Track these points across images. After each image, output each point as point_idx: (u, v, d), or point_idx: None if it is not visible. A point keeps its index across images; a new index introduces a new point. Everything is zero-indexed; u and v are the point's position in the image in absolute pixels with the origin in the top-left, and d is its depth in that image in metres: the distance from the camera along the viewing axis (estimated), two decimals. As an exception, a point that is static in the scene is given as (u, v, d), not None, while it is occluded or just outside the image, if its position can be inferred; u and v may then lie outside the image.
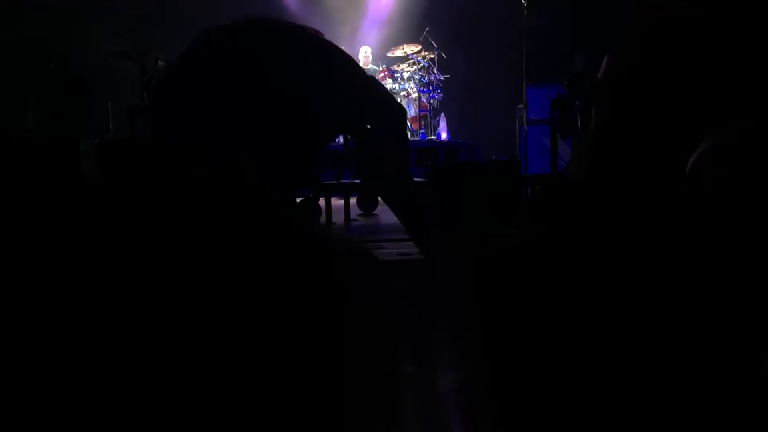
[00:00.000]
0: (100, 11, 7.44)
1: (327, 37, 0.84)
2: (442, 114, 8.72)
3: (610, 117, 0.79)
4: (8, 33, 6.92)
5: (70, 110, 6.50)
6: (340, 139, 6.19)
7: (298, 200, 4.31)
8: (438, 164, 5.49)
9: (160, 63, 5.58)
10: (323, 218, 4.37)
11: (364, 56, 8.91)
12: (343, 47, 0.93)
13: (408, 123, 8.56)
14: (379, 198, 3.95)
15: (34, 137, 6.36)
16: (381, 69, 8.60)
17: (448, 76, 8.84)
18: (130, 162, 0.70)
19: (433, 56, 8.71)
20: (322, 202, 4.51)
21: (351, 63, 0.85)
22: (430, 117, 8.72)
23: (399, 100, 8.49)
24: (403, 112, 0.89)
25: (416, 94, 8.55)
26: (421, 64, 8.62)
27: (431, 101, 8.78)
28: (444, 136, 8.50)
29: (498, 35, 8.31)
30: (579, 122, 4.24)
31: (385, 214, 4.88)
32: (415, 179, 3.79)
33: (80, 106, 6.47)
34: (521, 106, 6.97)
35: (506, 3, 6.86)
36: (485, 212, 3.74)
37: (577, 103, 4.23)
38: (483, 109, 9.04)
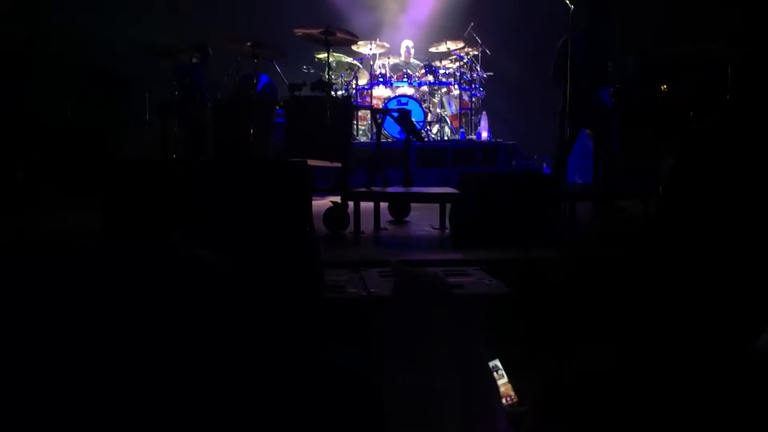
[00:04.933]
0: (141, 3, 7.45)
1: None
2: (484, 113, 8.49)
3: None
4: (49, 23, 6.97)
5: (108, 101, 6.53)
6: (373, 136, 5.97)
7: (327, 207, 4.20)
8: (472, 175, 5.29)
9: (194, 60, 5.53)
10: (351, 227, 4.23)
11: (406, 50, 8.73)
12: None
13: (448, 121, 8.36)
14: (412, 204, 3.77)
15: (72, 126, 6.40)
16: (422, 64, 8.39)
17: (492, 74, 8.58)
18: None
19: (476, 53, 8.46)
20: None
21: None
22: (471, 115, 8.50)
23: (439, 97, 8.30)
24: None
25: (457, 92, 8.32)
26: (464, 61, 8.38)
27: (473, 99, 8.54)
28: (484, 135, 8.28)
29: (544, 34, 8.01)
30: (618, 136, 3.99)
31: (417, 223, 4.71)
32: (449, 190, 3.61)
33: (116, 97, 6.48)
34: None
35: (554, 2, 6.57)
36: (520, 229, 3.55)
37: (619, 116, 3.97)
38: (526, 109, 8.75)
